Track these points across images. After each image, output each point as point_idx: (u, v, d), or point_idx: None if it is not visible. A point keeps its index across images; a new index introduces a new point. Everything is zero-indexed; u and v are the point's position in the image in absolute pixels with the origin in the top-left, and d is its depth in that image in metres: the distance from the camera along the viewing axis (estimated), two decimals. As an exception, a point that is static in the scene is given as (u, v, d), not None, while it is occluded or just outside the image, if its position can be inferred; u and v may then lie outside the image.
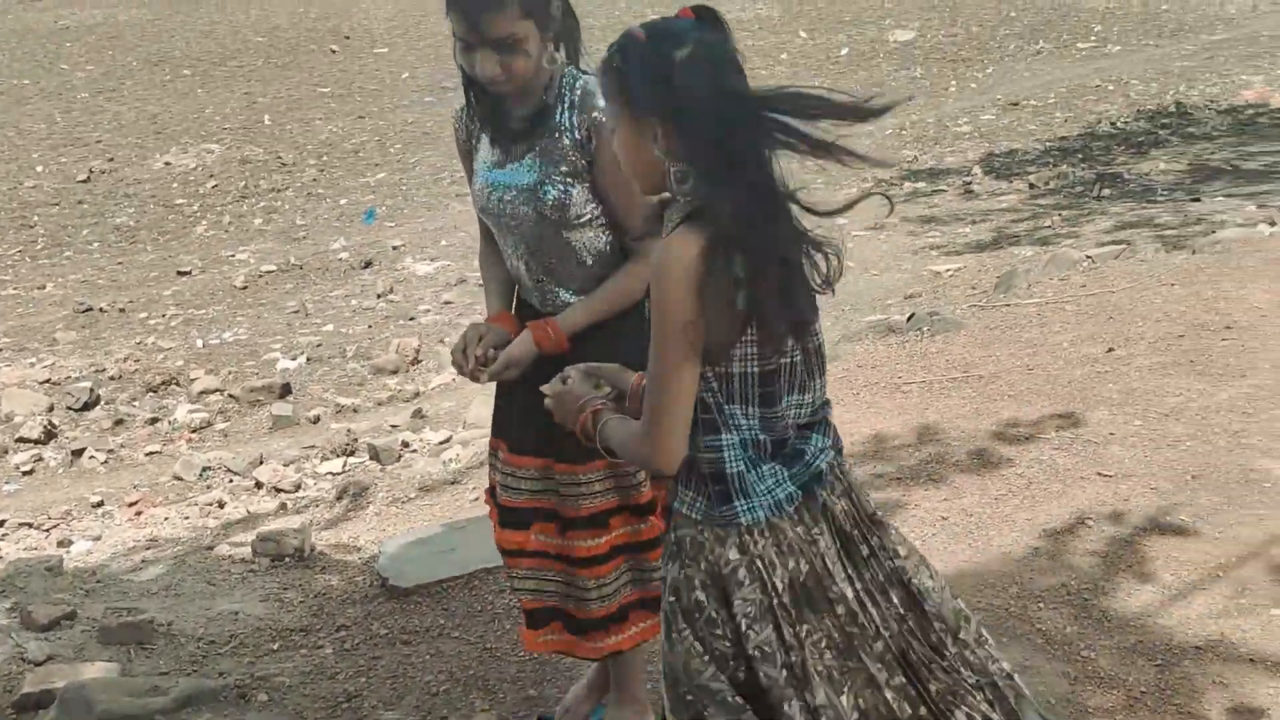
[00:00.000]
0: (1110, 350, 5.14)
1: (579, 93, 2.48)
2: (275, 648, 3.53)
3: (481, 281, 2.76)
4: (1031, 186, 10.12)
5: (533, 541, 2.73)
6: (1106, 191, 9.47)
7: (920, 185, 10.92)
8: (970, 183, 10.68)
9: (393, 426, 6.67)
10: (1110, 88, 14.07)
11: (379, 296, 9.67)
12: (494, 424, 2.80)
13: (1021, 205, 9.60)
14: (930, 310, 6.42)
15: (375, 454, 5.90)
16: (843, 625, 1.93)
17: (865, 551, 2.00)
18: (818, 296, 1.97)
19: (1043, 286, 6.36)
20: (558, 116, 2.48)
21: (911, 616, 2.01)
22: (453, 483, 4.80)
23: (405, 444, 6.07)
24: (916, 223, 9.62)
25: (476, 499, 4.56)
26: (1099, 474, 4.08)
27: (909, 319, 6.29)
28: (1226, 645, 3.14)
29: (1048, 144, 11.87)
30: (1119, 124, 12.15)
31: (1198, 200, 8.64)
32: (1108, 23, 17.83)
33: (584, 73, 2.53)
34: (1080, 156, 11.04)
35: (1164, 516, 3.78)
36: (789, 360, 1.92)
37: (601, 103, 2.41)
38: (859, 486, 2.04)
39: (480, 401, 6.54)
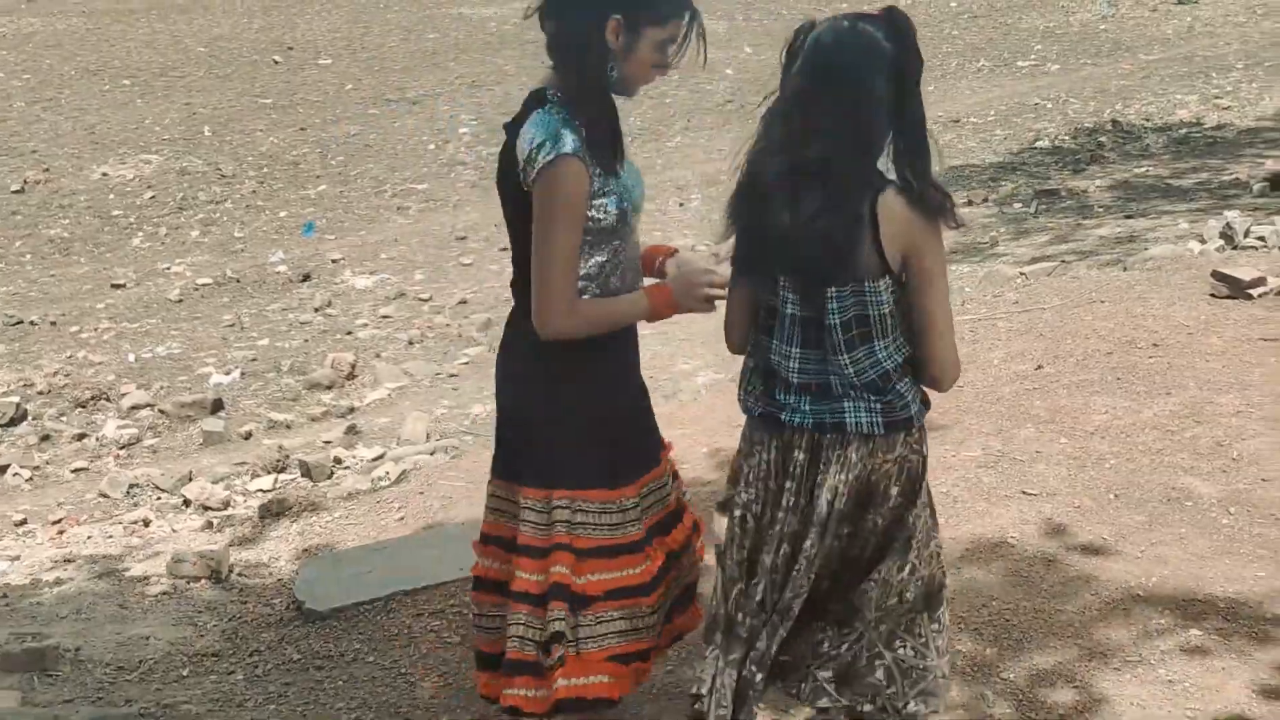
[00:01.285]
0: (1039, 367, 5.16)
1: None
2: (185, 674, 3.44)
3: (609, 307, 2.51)
4: (970, 203, 10.19)
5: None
6: (1044, 208, 9.55)
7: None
8: (911, 199, 10.73)
9: (325, 443, 6.56)
10: (1049, 106, 14.22)
11: (316, 310, 9.55)
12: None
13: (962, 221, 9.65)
14: (866, 327, 6.42)
15: (307, 470, 5.80)
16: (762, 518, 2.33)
17: (802, 501, 2.28)
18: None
19: (976, 303, 6.39)
20: None
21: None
22: (377, 501, 4.72)
23: (338, 460, 5.98)
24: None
25: (402, 518, 4.49)
26: (1023, 492, 4.08)
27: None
28: (1146, 667, 3.14)
29: (987, 161, 11.97)
30: (1057, 141, 12.28)
31: (1132, 217, 8.73)
32: (1047, 41, 18.05)
33: None
34: (1019, 173, 11.14)
35: (1086, 536, 3.78)
36: (782, 310, 2.24)
37: None
38: (835, 472, 2.24)
39: (415, 418, 6.46)
